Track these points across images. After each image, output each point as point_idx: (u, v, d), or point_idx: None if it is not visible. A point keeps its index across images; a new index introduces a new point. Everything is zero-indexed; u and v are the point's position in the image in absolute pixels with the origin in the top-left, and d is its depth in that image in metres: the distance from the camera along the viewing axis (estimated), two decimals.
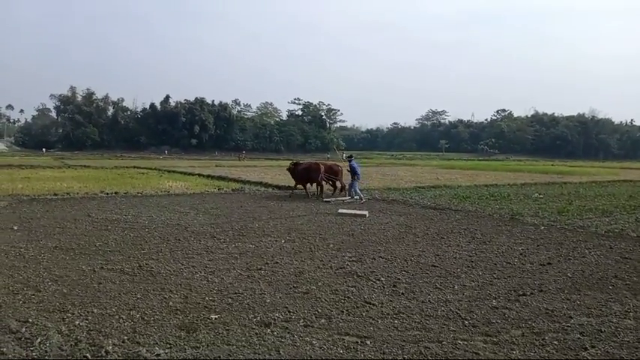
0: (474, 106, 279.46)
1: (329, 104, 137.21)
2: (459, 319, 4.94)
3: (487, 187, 21.43)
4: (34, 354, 3.89)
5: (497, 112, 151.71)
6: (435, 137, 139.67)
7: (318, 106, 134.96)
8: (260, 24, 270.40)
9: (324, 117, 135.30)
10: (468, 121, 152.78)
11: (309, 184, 17.39)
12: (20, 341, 4.14)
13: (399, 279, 6.39)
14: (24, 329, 4.39)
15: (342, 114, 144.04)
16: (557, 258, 7.84)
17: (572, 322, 4.89)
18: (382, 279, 6.36)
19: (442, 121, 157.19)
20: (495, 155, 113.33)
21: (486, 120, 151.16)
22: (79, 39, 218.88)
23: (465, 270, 6.93)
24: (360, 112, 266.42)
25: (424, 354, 4.08)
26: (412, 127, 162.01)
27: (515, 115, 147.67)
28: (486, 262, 7.48)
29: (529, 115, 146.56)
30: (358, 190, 16.25)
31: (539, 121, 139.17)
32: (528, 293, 5.87)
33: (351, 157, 18.25)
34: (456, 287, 6.06)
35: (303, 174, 17.25)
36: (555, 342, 4.39)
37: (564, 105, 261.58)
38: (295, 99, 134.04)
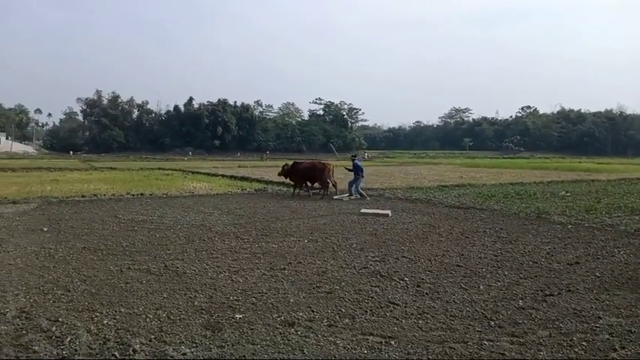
0: (498, 104, 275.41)
1: (350, 103, 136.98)
2: (484, 319, 4.88)
3: (512, 186, 21.10)
4: (64, 352, 3.98)
5: (522, 108, 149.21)
6: (459, 135, 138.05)
7: (339, 105, 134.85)
8: (280, 25, 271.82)
9: (345, 116, 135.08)
10: (492, 118, 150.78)
11: (308, 183, 17.33)
12: (51, 340, 4.24)
13: (422, 279, 6.35)
14: (54, 328, 4.50)
15: (363, 113, 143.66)
16: (585, 257, 7.68)
17: (601, 323, 4.79)
18: (406, 279, 6.33)
19: (466, 118, 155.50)
20: (520, 153, 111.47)
21: (511, 117, 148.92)
22: (104, 44, 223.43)
23: (491, 270, 6.85)
24: (382, 111, 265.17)
25: (449, 354, 4.05)
26: (435, 126, 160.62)
27: (541, 112, 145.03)
28: (512, 261, 7.38)
29: (555, 112, 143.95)
30: (360, 189, 16.33)
31: (566, 117, 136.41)
32: (556, 293, 5.77)
33: (355, 156, 18.27)
34: (481, 287, 5.99)
35: (306, 173, 17.09)
36: (584, 343, 4.30)
37: (591, 101, 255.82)
38: (317, 99, 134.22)
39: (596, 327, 4.68)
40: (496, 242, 8.85)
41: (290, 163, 18.61)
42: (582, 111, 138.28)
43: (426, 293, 5.73)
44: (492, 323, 4.76)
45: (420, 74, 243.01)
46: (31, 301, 5.29)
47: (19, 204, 13.70)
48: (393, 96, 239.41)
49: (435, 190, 19.12)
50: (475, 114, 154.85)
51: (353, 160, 17.24)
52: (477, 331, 4.57)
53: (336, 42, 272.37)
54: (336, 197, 16.15)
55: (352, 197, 15.97)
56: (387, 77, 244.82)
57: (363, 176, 16.81)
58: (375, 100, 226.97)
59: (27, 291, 5.63)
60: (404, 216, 12.07)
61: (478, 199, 15.55)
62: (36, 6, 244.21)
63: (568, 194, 17.21)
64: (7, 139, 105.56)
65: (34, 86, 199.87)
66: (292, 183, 17.73)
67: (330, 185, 17.05)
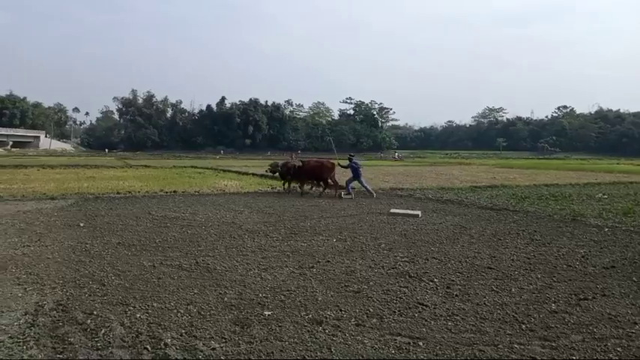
0: (533, 103, 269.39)
1: (381, 103, 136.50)
2: (515, 322, 4.79)
3: (547, 187, 20.61)
4: (98, 344, 4.10)
5: (559, 108, 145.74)
6: (492, 135, 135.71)
7: (370, 105, 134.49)
8: (311, 25, 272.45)
9: (376, 116, 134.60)
10: (527, 118, 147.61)
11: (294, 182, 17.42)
12: (86, 332, 4.37)
13: (453, 280, 6.27)
14: (89, 321, 4.64)
15: (394, 112, 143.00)
16: (622, 261, 7.44)
17: (637, 329, 4.64)
18: (435, 280, 6.26)
19: (500, 118, 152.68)
20: (556, 154, 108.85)
21: (547, 117, 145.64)
22: (140, 45, 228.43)
23: (523, 272, 6.71)
24: (413, 111, 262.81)
25: (478, 357, 3.99)
26: (468, 125, 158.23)
27: (578, 112, 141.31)
28: (546, 264, 7.21)
29: (592, 112, 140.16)
30: (351, 188, 16.65)
31: (604, 117, 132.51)
32: (590, 297, 5.62)
33: (352, 155, 18.33)
34: (513, 290, 5.87)
35: (315, 172, 16.93)
36: (619, 349, 4.17)
37: (630, 100, 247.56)
38: (347, 98, 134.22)
39: (632, 333, 4.53)
40: (529, 244, 8.67)
41: (279, 162, 18.75)
42: (621, 111, 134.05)
43: (456, 295, 5.66)
44: (524, 327, 4.67)
45: (454, 73, 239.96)
46: (68, 294, 5.46)
47: (57, 200, 14.15)
48: (425, 95, 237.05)
49: (466, 190, 18.85)
50: (509, 114, 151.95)
51: (350, 160, 17.37)
52: (508, 334, 4.49)
53: (369, 40, 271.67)
54: (345, 196, 16.19)
55: (350, 195, 16.29)
56: (420, 76, 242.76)
57: (361, 174, 17.20)
58: (407, 100, 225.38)
59: (64, 284, 5.82)
60: (434, 217, 11.94)
61: (511, 201, 15.26)
62: (73, 9, 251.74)
63: (605, 196, 16.70)
64: (46, 136, 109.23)
65: (72, 85, 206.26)
66: (282, 180, 17.83)
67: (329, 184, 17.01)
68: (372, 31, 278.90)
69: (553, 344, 4.26)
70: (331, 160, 17.94)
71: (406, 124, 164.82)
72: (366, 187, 16.85)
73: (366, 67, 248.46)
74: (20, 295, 5.39)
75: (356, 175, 17.01)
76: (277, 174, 18.03)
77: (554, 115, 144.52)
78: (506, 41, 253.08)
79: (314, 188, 17.93)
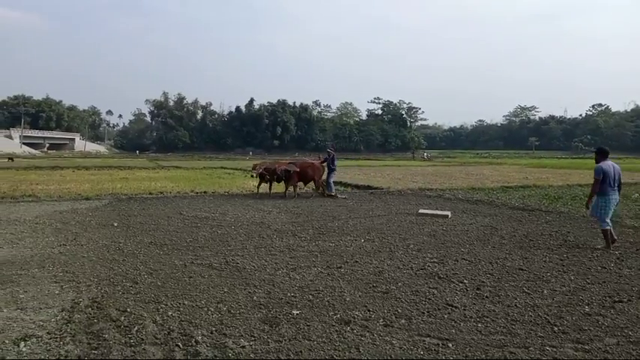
0: (566, 102, 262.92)
1: (410, 102, 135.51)
2: (547, 324, 4.69)
3: (581, 187, 20.08)
4: (131, 341, 4.20)
5: (593, 106, 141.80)
6: (524, 134, 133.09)
7: (398, 104, 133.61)
8: (338, 26, 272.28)
9: (404, 116, 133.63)
10: (561, 116, 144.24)
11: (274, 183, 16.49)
12: (120, 329, 4.49)
13: (483, 282, 6.19)
14: (123, 318, 4.76)
15: (423, 112, 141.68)
16: None
17: None
18: (465, 281, 6.18)
19: (532, 117, 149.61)
20: (591, 153, 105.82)
21: (581, 115, 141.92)
22: (170, 49, 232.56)
23: (556, 274, 6.56)
24: (442, 110, 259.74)
25: (509, 359, 3.93)
26: (499, 124, 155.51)
27: (613, 110, 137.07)
28: (579, 266, 7.04)
29: (629, 110, 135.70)
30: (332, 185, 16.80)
31: None
32: (625, 300, 5.46)
33: (333, 147, 18.50)
34: (545, 292, 5.76)
35: (307, 173, 16.23)
36: None
37: None
38: (375, 98, 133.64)
39: None
40: (562, 246, 8.47)
41: (258, 163, 18.15)
42: None
43: (486, 296, 5.58)
44: (556, 329, 4.57)
45: (483, 73, 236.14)
46: (102, 291, 5.62)
47: (91, 200, 14.55)
48: (454, 95, 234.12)
49: (497, 191, 18.54)
50: (542, 112, 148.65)
51: (329, 154, 17.20)
52: (540, 336, 4.40)
53: (397, 40, 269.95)
54: (341, 197, 16.19)
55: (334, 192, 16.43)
56: (449, 75, 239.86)
57: (334, 169, 17.21)
58: (436, 99, 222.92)
59: (98, 282, 5.98)
60: (464, 217, 11.78)
61: (544, 201, 14.94)
62: (106, 13, 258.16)
63: None
64: (81, 139, 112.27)
65: (106, 89, 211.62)
66: (262, 182, 16.55)
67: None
68: (400, 31, 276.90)
69: (586, 347, 4.17)
70: (313, 161, 17.76)
71: (435, 123, 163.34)
72: (329, 183, 16.71)
73: (394, 67, 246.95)
74: (57, 292, 5.56)
75: (330, 169, 16.97)
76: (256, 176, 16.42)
77: (589, 113, 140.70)
78: (537, 37, 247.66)
79: (289, 190, 16.40)
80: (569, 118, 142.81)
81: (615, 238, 8.45)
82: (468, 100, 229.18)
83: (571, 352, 4.06)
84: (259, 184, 16.67)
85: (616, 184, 8.43)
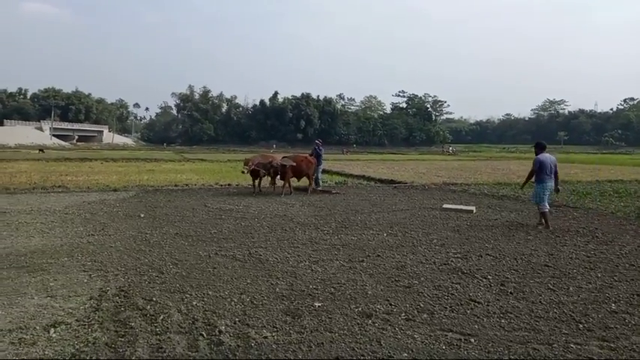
0: (596, 96, 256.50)
1: (435, 96, 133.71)
2: (572, 322, 4.62)
3: (611, 183, 19.63)
4: (157, 329, 4.29)
5: (625, 100, 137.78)
6: (553, 129, 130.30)
7: (423, 98, 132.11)
8: (363, 17, 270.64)
9: (429, 109, 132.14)
10: (591, 111, 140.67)
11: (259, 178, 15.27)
12: (146, 317, 4.59)
13: (507, 278, 6.11)
14: (149, 307, 4.86)
15: (449, 105, 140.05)
16: None
17: None
18: (489, 277, 6.12)
19: (561, 111, 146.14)
20: (621, 148, 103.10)
21: (612, 110, 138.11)
22: (196, 42, 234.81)
23: (582, 271, 6.44)
24: (469, 104, 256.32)
25: (532, 356, 3.88)
26: (526, 119, 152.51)
27: None
28: (606, 263, 6.89)
29: None
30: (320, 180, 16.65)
31: None
32: None
33: (320, 141, 17.95)
34: (570, 289, 5.66)
35: (301, 167, 15.25)
36: None
37: None
38: (400, 91, 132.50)
39: None
40: (589, 242, 8.30)
41: (250, 157, 15.91)
42: None
43: (510, 292, 5.52)
44: (581, 326, 4.50)
45: (510, 66, 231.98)
46: (129, 281, 5.75)
47: (119, 191, 14.85)
48: (481, 88, 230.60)
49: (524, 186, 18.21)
50: (571, 106, 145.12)
51: (317, 147, 16.88)
52: (564, 333, 4.34)
53: (424, 31, 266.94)
54: (334, 192, 15.82)
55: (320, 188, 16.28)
56: (475, 68, 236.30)
57: (320, 164, 16.94)
58: (462, 93, 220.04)
59: (125, 272, 6.12)
60: (489, 212, 11.64)
61: (572, 197, 14.68)
62: (134, 8, 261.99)
63: None
64: (109, 131, 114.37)
65: (133, 81, 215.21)
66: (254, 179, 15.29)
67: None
68: (428, 22, 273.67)
69: (612, 345, 4.09)
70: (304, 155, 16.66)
71: (461, 117, 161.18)
72: (317, 179, 16.43)
73: (420, 59, 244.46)
74: (86, 281, 5.72)
75: (318, 163, 16.54)
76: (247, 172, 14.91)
77: (620, 107, 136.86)
78: (568, 29, 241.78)
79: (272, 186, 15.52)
80: (600, 113, 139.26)
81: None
82: (495, 94, 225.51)
83: (596, 350, 4.00)
84: (255, 181, 15.32)
85: (552, 173, 9.83)
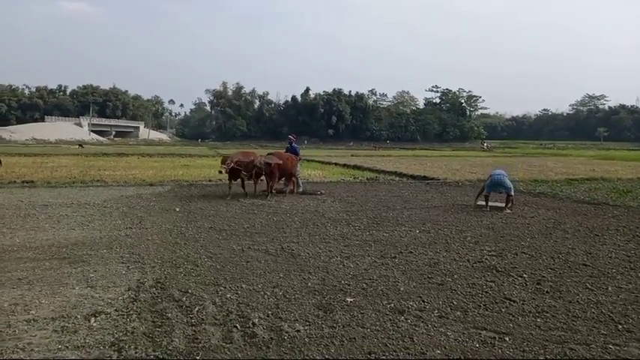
0: (638, 90, 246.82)
1: (470, 91, 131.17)
2: (611, 322, 4.49)
3: None
4: (193, 320, 4.39)
5: None
6: (592, 125, 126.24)
7: (457, 93, 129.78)
8: (397, 12, 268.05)
9: (463, 104, 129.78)
10: (632, 106, 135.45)
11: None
12: (182, 308, 4.69)
13: (543, 276, 5.98)
14: (184, 298, 4.97)
15: (483, 101, 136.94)
16: None
17: None
18: (525, 275, 6.01)
19: (600, 106, 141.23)
20: None
21: None
22: (229, 39, 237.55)
23: (622, 271, 6.25)
24: (504, 99, 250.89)
25: (569, 356, 3.80)
26: (564, 114, 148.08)
27: None
28: None
29: None
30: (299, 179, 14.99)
31: None
32: None
33: (294, 137, 16.80)
34: (609, 289, 5.50)
35: (286, 167, 13.72)
36: None
37: None
38: (433, 86, 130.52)
39: None
40: (630, 241, 8.04)
41: (229, 155, 14.03)
42: None
43: (547, 291, 5.40)
44: (620, 327, 4.37)
45: (549, 59, 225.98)
46: (165, 273, 5.88)
47: (155, 186, 15.19)
48: (518, 82, 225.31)
49: (562, 183, 17.80)
50: (612, 101, 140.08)
51: (290, 144, 15.79)
52: (602, 334, 4.22)
53: (459, 26, 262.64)
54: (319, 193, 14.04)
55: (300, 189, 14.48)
56: (512, 63, 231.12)
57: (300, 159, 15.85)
58: (498, 87, 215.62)
59: (162, 264, 6.27)
60: (525, 210, 11.40)
61: (611, 195, 14.20)
62: (167, 7, 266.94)
63: None
64: (145, 127, 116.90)
65: (168, 79, 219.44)
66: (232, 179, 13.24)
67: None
68: (462, 17, 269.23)
69: None
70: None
71: (496, 112, 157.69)
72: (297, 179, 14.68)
73: (455, 54, 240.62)
74: (124, 272, 5.88)
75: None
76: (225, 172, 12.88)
77: None
78: (607, 22, 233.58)
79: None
80: None
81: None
82: (532, 89, 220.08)
83: (636, 352, 3.88)
84: (232, 182, 13.22)
85: None
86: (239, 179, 13.13)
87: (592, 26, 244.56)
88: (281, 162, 13.42)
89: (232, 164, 12.58)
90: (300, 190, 14.44)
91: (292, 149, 15.61)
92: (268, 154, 14.12)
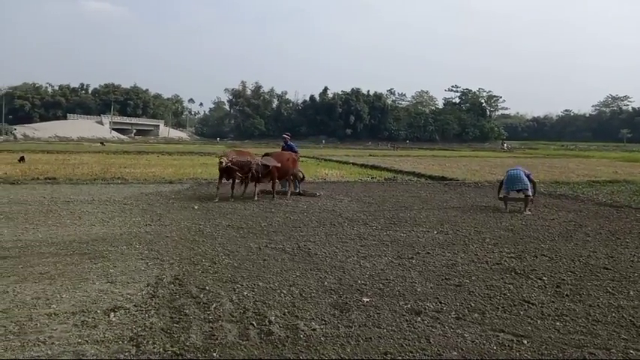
0: None
1: (490, 91, 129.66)
2: (632, 327, 4.40)
3: None
4: (210, 317, 4.43)
5: None
6: (615, 126, 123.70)
7: (477, 93, 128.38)
8: (413, 11, 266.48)
9: (484, 104, 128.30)
10: None
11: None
12: (199, 305, 4.74)
13: (563, 279, 5.90)
14: (202, 295, 5.02)
15: (504, 101, 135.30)
16: None
17: None
18: (544, 278, 5.92)
19: (624, 107, 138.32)
20: None
21: None
22: (247, 38, 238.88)
23: None
24: (525, 99, 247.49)
25: None
26: (587, 115, 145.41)
27: None
28: None
29: None
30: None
31: None
32: None
33: (289, 136, 15.91)
34: (631, 293, 5.39)
35: (286, 168, 12.96)
36: None
37: None
38: (453, 86, 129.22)
39: None
40: None
41: (226, 152, 13.50)
42: None
43: (567, 295, 5.32)
44: None
45: (569, 60, 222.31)
46: (184, 270, 5.95)
47: (174, 184, 15.36)
48: (539, 83, 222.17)
49: (583, 185, 17.52)
50: (636, 102, 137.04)
51: (285, 142, 14.98)
52: (623, 338, 4.14)
53: (476, 25, 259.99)
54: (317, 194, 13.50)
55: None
56: (533, 62, 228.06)
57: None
58: (519, 88, 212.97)
59: (180, 261, 6.33)
60: (545, 212, 11.24)
61: (635, 197, 13.93)
62: (187, 6, 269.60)
63: None
64: (165, 125, 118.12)
65: (188, 78, 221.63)
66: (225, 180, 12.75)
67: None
68: (480, 15, 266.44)
69: None
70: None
71: (517, 113, 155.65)
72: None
73: (473, 54, 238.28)
74: (143, 268, 5.96)
75: None
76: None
77: None
78: (629, 20, 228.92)
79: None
80: None
81: None
82: (553, 89, 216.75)
83: None
84: (221, 182, 12.67)
85: None
86: (230, 179, 12.51)
87: (613, 25, 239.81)
88: (279, 165, 12.60)
89: (228, 163, 11.91)
90: (298, 190, 13.67)
91: (289, 148, 14.69)
92: (265, 154, 13.21)
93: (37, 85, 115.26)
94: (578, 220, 10.16)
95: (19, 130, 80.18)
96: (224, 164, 11.96)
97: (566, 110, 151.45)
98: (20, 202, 10.70)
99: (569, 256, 7.08)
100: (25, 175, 16.30)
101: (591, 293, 5.38)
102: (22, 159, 21.92)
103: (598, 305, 4.99)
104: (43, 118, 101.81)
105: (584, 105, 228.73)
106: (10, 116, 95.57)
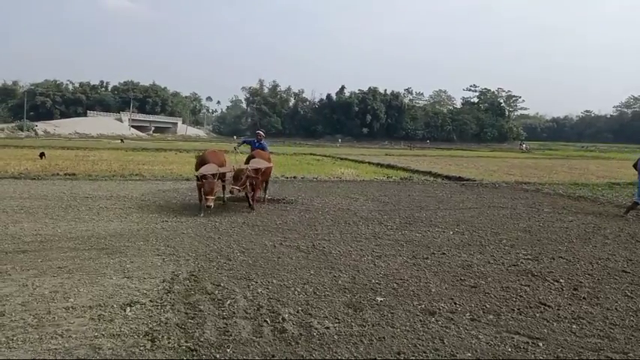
0: None
1: (509, 91, 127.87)
2: None
3: None
4: (224, 313, 4.46)
5: None
6: (637, 127, 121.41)
7: (496, 92, 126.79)
8: (430, 11, 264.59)
9: (502, 104, 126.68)
10: None
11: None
12: (214, 301, 4.78)
13: (581, 282, 5.82)
14: (217, 291, 5.06)
15: (523, 101, 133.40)
16: None
17: None
18: (561, 280, 5.85)
19: None
20: None
21: None
22: (268, 37, 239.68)
23: None
24: (545, 99, 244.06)
25: None
26: (608, 116, 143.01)
27: None
28: None
29: None
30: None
31: None
32: None
33: (263, 136, 13.54)
34: None
35: (267, 170, 11.36)
36: None
37: None
38: (471, 86, 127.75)
39: None
40: None
41: (204, 154, 11.84)
42: None
43: (584, 297, 5.25)
44: None
45: (590, 59, 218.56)
46: (199, 266, 6.00)
47: (191, 181, 15.40)
48: (559, 82, 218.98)
49: (603, 187, 17.24)
50: None
51: (258, 140, 12.92)
52: None
53: (496, 25, 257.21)
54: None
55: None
56: (553, 62, 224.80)
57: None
58: (538, 87, 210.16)
59: (196, 257, 6.39)
60: (564, 214, 11.08)
61: None
62: (205, 3, 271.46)
63: None
64: (183, 123, 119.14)
65: (206, 76, 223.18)
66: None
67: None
68: (500, 15, 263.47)
69: None
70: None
71: (537, 113, 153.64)
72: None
73: (493, 54, 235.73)
74: (159, 264, 6.03)
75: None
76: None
77: None
78: None
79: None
80: None
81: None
82: (573, 90, 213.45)
83: None
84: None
85: None
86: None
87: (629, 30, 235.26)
88: (271, 165, 11.60)
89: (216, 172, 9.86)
90: (268, 196, 11.97)
91: (261, 147, 12.67)
92: (249, 156, 11.62)
93: (58, 82, 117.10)
94: (597, 223, 10.01)
95: (41, 126, 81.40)
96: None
97: (586, 111, 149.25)
98: (40, 198, 10.89)
99: (587, 258, 6.98)
100: (45, 171, 16.57)
101: (609, 296, 5.30)
102: (42, 155, 22.27)
103: (616, 309, 4.91)
104: (64, 115, 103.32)
105: (605, 105, 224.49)
106: (32, 113, 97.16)
